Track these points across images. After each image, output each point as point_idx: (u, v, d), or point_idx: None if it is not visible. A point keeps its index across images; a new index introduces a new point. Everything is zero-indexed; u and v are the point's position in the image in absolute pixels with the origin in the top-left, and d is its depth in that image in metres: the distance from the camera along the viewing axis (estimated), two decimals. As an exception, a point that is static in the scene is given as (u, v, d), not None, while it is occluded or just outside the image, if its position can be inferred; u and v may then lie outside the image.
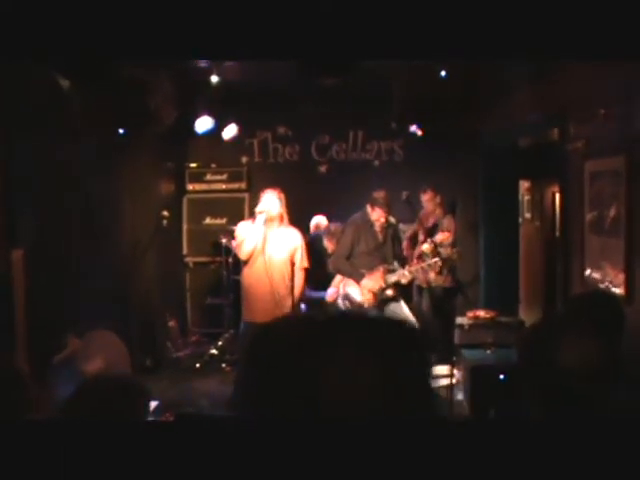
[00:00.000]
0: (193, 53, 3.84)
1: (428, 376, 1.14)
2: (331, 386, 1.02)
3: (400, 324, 1.14)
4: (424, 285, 8.10)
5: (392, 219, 7.07)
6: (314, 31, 3.33)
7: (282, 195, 6.20)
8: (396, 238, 7.14)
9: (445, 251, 7.54)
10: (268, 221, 6.11)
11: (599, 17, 3.10)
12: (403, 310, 6.90)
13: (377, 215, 6.80)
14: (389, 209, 6.82)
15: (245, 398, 1.09)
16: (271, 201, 6.13)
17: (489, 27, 3.21)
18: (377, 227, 6.86)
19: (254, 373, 1.09)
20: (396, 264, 6.94)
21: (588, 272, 5.03)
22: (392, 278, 6.78)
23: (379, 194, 6.80)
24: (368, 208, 6.85)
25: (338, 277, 7.20)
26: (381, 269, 6.79)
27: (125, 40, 3.36)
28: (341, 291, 7.00)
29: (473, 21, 3.21)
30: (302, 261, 6.25)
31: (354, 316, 1.16)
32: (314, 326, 1.12)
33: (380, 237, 6.90)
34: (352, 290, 6.83)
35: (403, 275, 6.81)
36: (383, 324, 1.13)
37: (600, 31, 3.11)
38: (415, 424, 1.07)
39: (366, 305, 6.78)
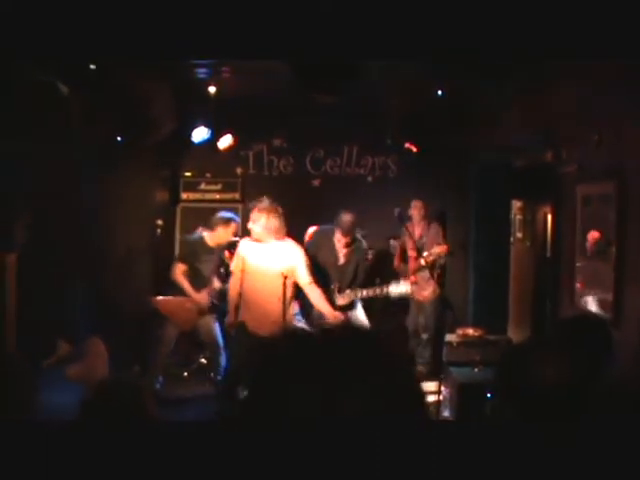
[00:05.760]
0: (194, 53, 3.87)
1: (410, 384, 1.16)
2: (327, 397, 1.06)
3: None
4: (423, 301, 8.14)
5: (364, 244, 7.08)
6: (311, 31, 3.37)
7: (270, 214, 6.21)
8: (361, 263, 7.06)
9: (439, 261, 7.60)
10: (259, 239, 6.23)
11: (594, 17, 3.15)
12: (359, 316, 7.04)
13: (337, 237, 6.80)
14: (350, 234, 6.77)
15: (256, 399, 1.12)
16: (257, 221, 6.22)
17: (488, 27, 3.25)
18: (338, 247, 6.87)
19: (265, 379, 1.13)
20: (348, 291, 6.86)
21: (577, 294, 5.08)
22: (337, 300, 6.84)
23: (345, 217, 6.72)
24: (335, 226, 6.84)
25: None
26: (331, 287, 6.83)
27: (122, 40, 3.39)
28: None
29: (471, 21, 3.26)
30: (304, 277, 6.27)
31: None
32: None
33: (341, 258, 6.94)
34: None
35: (344, 298, 6.84)
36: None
37: (597, 31, 3.16)
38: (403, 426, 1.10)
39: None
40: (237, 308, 6.39)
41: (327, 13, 3.33)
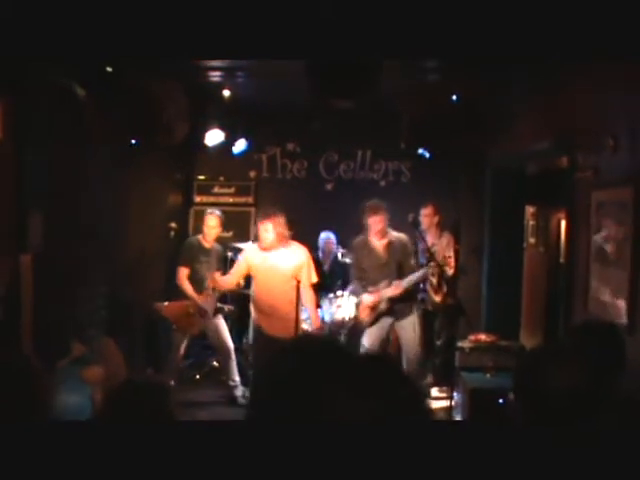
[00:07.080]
0: (197, 52, 3.88)
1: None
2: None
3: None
4: (434, 310, 8.11)
5: (402, 237, 7.04)
6: (316, 30, 3.36)
7: (276, 220, 6.31)
8: (405, 255, 7.07)
9: (449, 271, 7.57)
10: (267, 247, 6.34)
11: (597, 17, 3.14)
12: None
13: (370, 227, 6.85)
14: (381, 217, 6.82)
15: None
16: (262, 232, 6.31)
17: (490, 26, 3.24)
18: (375, 243, 6.90)
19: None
20: (396, 282, 6.90)
21: (591, 300, 5.05)
22: (387, 292, 6.81)
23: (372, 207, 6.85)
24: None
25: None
26: (382, 285, 6.82)
27: (132, 40, 3.40)
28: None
29: (474, 20, 3.25)
30: (309, 277, 6.41)
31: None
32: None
33: (382, 256, 6.91)
34: (366, 298, 6.89)
35: (397, 287, 6.84)
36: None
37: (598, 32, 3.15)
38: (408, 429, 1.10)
39: (363, 318, 6.94)
40: None
41: (334, 11, 3.33)
